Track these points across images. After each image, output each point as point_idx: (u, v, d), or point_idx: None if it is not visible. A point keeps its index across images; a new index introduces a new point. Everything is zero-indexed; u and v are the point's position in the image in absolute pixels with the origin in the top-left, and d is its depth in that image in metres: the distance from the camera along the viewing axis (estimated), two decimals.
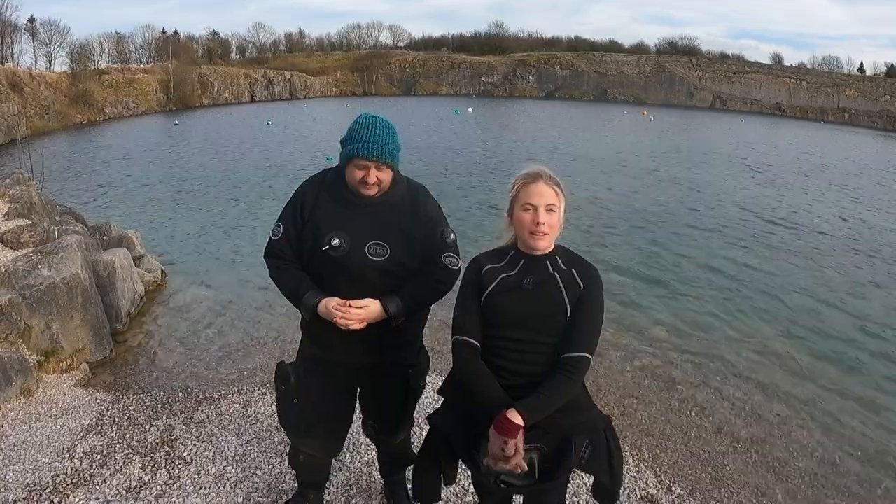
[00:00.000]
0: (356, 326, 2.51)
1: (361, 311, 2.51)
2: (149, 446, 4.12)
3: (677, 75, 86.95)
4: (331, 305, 2.51)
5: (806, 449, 4.95)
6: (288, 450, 3.29)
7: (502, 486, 2.28)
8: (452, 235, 2.72)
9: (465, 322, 2.32)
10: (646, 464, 4.41)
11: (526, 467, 2.18)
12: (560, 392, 2.17)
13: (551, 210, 2.25)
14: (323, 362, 2.78)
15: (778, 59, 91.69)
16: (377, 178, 2.53)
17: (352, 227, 2.56)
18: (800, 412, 5.57)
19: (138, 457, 3.98)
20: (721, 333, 7.29)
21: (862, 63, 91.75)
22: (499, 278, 2.30)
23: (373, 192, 2.57)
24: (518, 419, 2.11)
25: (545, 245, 2.29)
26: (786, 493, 4.30)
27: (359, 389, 2.98)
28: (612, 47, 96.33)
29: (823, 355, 6.91)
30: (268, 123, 36.20)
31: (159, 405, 4.78)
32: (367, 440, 3.59)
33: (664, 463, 4.48)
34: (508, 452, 2.11)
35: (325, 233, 2.55)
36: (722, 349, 6.81)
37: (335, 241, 2.52)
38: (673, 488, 4.12)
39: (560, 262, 2.30)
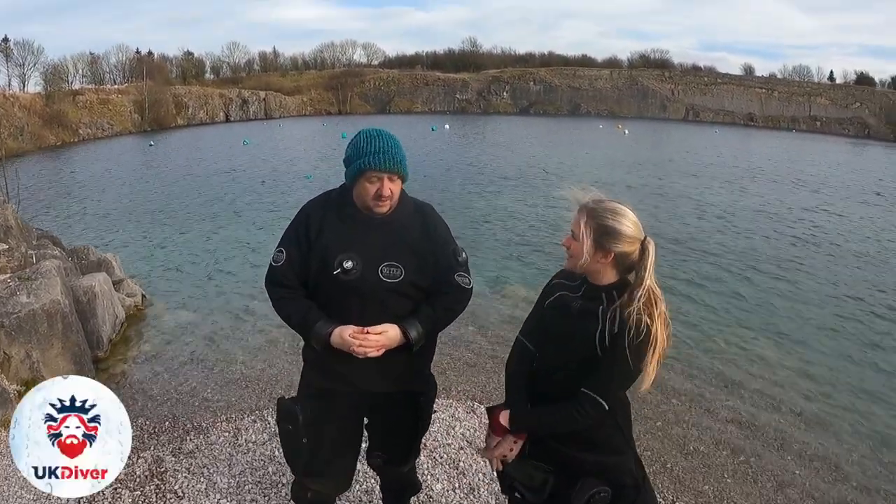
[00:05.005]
0: (374, 354, 2.40)
1: (381, 338, 2.40)
2: (138, 480, 3.97)
3: (650, 88, 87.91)
4: (346, 334, 2.39)
5: (806, 459, 4.95)
6: (291, 486, 3.10)
7: (516, 494, 2.32)
8: (464, 254, 2.64)
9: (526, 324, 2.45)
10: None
11: (499, 466, 2.35)
12: (554, 419, 2.19)
13: (574, 236, 2.19)
14: (332, 395, 2.64)
15: (749, 70, 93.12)
16: (390, 190, 2.42)
17: (363, 249, 2.44)
18: (798, 423, 5.57)
19: (128, 491, 3.83)
20: (717, 345, 7.31)
21: (832, 71, 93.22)
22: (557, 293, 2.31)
23: (386, 207, 2.46)
24: (505, 420, 2.29)
25: (568, 265, 2.24)
26: None
27: (365, 420, 2.86)
28: (585, 62, 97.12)
29: (822, 366, 6.94)
30: (245, 143, 35.96)
31: (146, 435, 4.62)
32: (366, 467, 3.46)
33: (665, 479, 4.45)
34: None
35: (334, 255, 2.43)
36: (718, 361, 6.82)
37: (348, 264, 2.40)
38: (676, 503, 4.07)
39: (615, 294, 2.13)
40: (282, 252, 2.55)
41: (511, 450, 2.30)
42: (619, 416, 2.22)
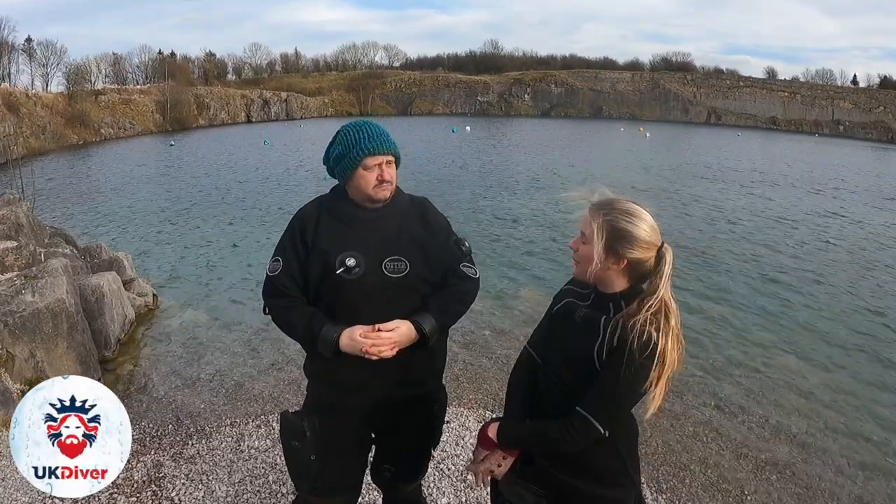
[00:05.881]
0: (389, 354, 2.24)
1: (393, 334, 2.24)
2: (135, 485, 3.86)
3: (672, 91, 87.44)
4: (356, 334, 2.23)
5: (830, 473, 4.75)
6: (292, 499, 2.91)
7: None
8: (467, 243, 2.53)
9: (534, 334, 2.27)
10: (664, 497, 4.17)
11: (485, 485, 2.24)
12: (543, 436, 1.97)
13: (584, 239, 1.98)
14: (341, 408, 2.49)
15: (772, 74, 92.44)
16: (390, 174, 2.36)
17: (363, 246, 2.32)
18: (822, 435, 5.36)
19: (123, 497, 3.72)
20: (737, 353, 7.05)
21: (855, 75, 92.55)
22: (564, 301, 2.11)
23: (388, 192, 2.37)
24: (493, 433, 2.11)
25: (576, 272, 2.04)
26: None
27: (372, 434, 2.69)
28: (607, 64, 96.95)
29: (846, 374, 6.70)
30: (265, 143, 36.04)
31: (148, 438, 4.53)
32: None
33: (683, 494, 4.26)
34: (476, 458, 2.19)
35: (335, 255, 2.31)
36: (738, 369, 6.58)
37: (350, 261, 2.28)
38: None
39: (622, 304, 1.91)
40: (278, 261, 2.41)
41: (499, 465, 2.10)
42: (620, 444, 1.98)
